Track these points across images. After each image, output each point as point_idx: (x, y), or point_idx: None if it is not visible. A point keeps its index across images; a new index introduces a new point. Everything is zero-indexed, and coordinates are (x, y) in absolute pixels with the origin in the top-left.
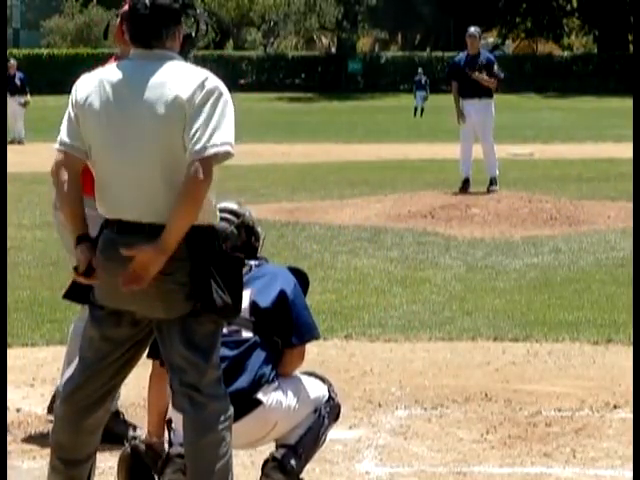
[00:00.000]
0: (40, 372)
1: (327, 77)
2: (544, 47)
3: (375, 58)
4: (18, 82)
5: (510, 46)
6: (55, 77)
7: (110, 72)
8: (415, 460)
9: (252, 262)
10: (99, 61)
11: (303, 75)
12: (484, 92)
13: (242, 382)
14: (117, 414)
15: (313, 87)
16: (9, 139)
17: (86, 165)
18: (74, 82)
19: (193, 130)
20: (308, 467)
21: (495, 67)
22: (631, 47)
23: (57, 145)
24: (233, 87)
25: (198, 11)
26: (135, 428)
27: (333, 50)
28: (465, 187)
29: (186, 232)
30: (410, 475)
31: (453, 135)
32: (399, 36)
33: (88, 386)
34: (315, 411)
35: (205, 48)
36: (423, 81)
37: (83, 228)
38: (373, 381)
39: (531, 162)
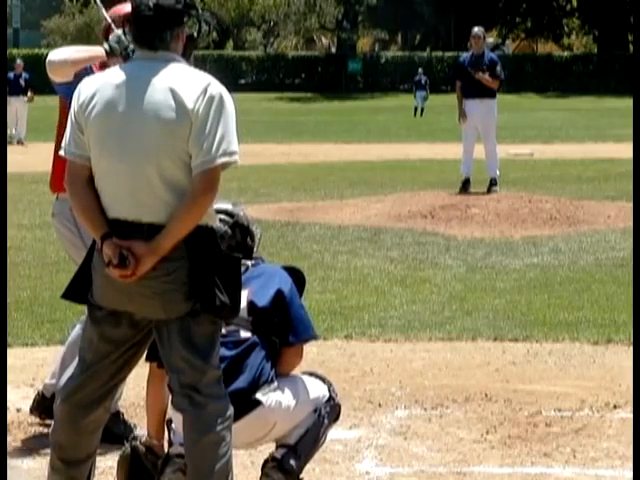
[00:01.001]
0: (40, 372)
1: (327, 77)
2: (544, 47)
3: (375, 58)
4: (22, 83)
5: (510, 46)
6: None
7: (114, 74)
8: (415, 460)
9: (248, 262)
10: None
11: (303, 75)
12: (487, 92)
13: (241, 382)
14: (117, 414)
15: (313, 87)
16: (9, 140)
17: None
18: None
19: (200, 141)
20: (308, 467)
21: (498, 68)
22: (631, 47)
23: (62, 152)
24: (233, 87)
25: (200, 12)
26: (135, 428)
27: (333, 50)
28: (465, 187)
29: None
30: (410, 475)
31: (453, 135)
32: (399, 36)
33: (88, 386)
34: (315, 411)
35: (205, 48)
36: (423, 81)
37: (103, 228)
38: (373, 381)
39: (531, 162)
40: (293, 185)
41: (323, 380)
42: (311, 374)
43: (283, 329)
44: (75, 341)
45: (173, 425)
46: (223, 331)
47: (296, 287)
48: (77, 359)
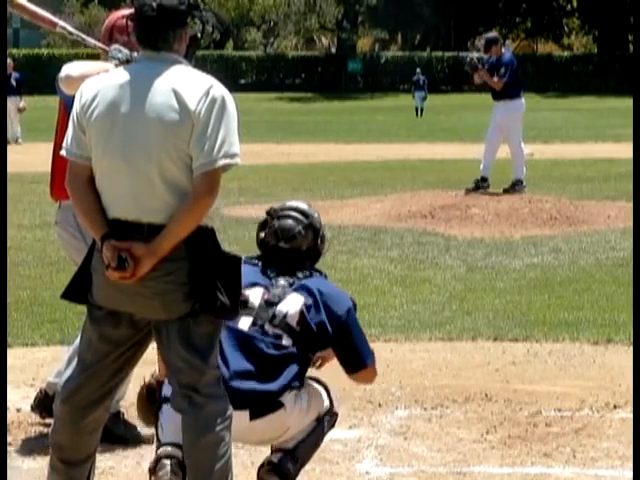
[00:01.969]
0: (40, 372)
1: (327, 77)
2: (544, 47)
3: (375, 58)
4: (14, 82)
5: (510, 46)
6: (55, 77)
7: (116, 75)
8: (415, 460)
9: (315, 272)
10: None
11: (303, 75)
12: (508, 94)
13: (274, 386)
14: (117, 414)
15: (313, 87)
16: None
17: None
18: None
19: (201, 142)
20: (308, 467)
21: (502, 69)
22: (631, 47)
23: (63, 152)
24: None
25: (204, 12)
26: (135, 429)
27: (333, 50)
28: (480, 186)
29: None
30: (410, 475)
31: (453, 135)
32: (399, 36)
33: (88, 386)
34: (317, 419)
35: (205, 48)
36: (421, 81)
37: (104, 229)
38: None
39: (531, 162)
40: (293, 185)
41: (325, 388)
42: (317, 381)
43: (342, 356)
44: None
45: (161, 422)
46: (269, 331)
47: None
48: (76, 360)
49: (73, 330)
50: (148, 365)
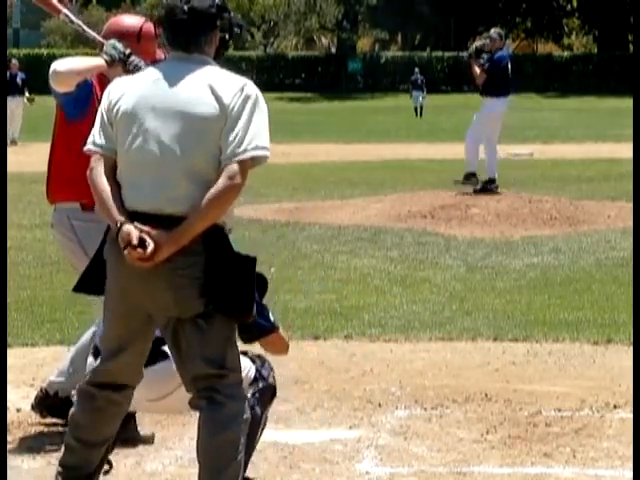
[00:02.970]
0: (40, 372)
1: (327, 77)
2: (544, 47)
3: (375, 58)
4: (20, 82)
5: (510, 46)
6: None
7: (147, 73)
8: (415, 460)
9: None
10: None
11: (303, 75)
12: (491, 91)
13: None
14: (131, 416)
15: (313, 87)
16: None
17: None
18: None
19: (234, 133)
20: (308, 467)
21: (487, 63)
22: (631, 47)
23: (90, 146)
24: None
25: (232, 14)
26: (135, 429)
27: (333, 50)
28: (468, 179)
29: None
30: (410, 475)
31: (453, 135)
32: (399, 36)
33: (115, 370)
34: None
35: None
36: (419, 81)
37: (124, 214)
38: (373, 381)
39: (531, 162)
40: (293, 185)
41: (253, 360)
42: (244, 353)
43: None
44: (88, 343)
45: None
46: None
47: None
48: (102, 349)
49: (73, 330)
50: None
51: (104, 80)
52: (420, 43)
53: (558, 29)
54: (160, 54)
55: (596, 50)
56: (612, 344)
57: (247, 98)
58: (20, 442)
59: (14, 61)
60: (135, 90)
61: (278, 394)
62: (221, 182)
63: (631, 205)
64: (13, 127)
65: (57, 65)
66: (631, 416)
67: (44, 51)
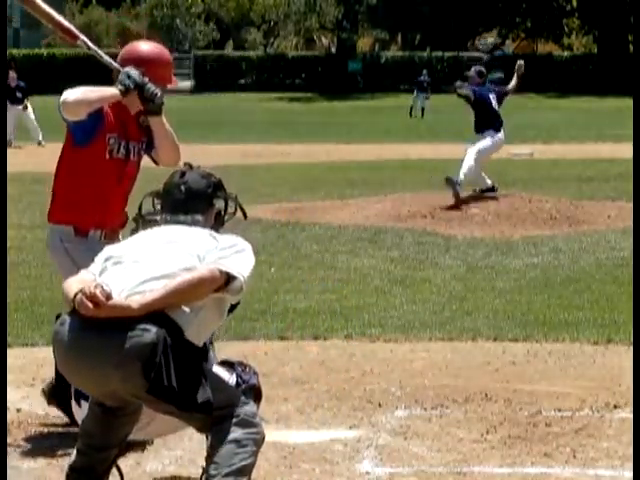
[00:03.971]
0: (40, 372)
1: (327, 77)
2: (544, 47)
3: (375, 58)
4: (19, 94)
5: (510, 46)
6: (55, 77)
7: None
8: (415, 460)
9: None
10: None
11: (303, 75)
12: (479, 128)
13: None
14: None
15: (313, 87)
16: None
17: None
18: (74, 82)
19: (223, 253)
20: (308, 467)
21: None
22: (631, 47)
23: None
24: (233, 87)
25: (228, 192)
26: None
27: (333, 50)
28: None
29: (164, 319)
30: (410, 475)
31: (453, 135)
32: (399, 36)
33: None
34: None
35: (205, 48)
36: (425, 83)
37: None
38: (373, 381)
39: (531, 162)
40: (293, 185)
41: (233, 367)
42: (223, 363)
43: None
44: None
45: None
46: None
47: None
48: None
49: None
50: None
51: (118, 104)
52: (420, 43)
53: (558, 29)
54: (175, 81)
55: (596, 50)
56: (612, 344)
57: (239, 243)
58: (20, 442)
59: (12, 74)
60: (135, 238)
61: (278, 394)
62: (195, 272)
63: (631, 205)
64: (10, 128)
65: (68, 95)
66: (631, 416)
67: (44, 51)
